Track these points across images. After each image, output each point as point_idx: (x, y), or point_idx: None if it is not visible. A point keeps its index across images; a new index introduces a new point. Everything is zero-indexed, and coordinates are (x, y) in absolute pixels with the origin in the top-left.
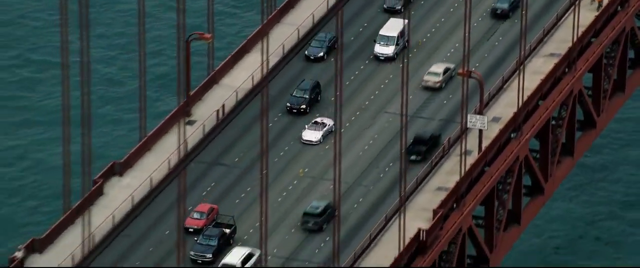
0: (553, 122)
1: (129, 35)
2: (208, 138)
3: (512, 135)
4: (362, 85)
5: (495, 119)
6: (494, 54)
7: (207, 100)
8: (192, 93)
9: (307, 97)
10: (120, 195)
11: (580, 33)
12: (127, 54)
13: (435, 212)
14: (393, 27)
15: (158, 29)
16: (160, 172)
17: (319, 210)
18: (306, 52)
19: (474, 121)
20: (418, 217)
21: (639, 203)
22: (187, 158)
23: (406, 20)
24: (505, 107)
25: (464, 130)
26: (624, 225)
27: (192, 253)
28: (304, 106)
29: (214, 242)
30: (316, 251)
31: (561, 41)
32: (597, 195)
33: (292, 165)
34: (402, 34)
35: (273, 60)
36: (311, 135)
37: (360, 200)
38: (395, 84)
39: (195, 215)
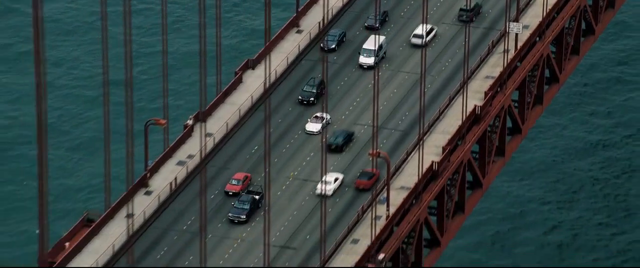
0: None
1: None
2: (314, 41)
3: (537, 38)
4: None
5: (526, 26)
6: None
7: (311, 14)
8: (300, 9)
9: (315, 91)
10: (255, 82)
11: None
12: None
13: (485, 93)
14: (373, 42)
15: None
16: (281, 67)
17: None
18: (321, 45)
19: (512, 27)
20: (473, 97)
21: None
22: (301, 56)
23: (383, 36)
24: (533, 17)
25: (505, 34)
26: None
27: (230, 214)
28: (312, 99)
29: (247, 206)
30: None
31: None
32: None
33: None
34: (380, 47)
35: None
36: (312, 127)
37: (429, 86)
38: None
39: (234, 182)
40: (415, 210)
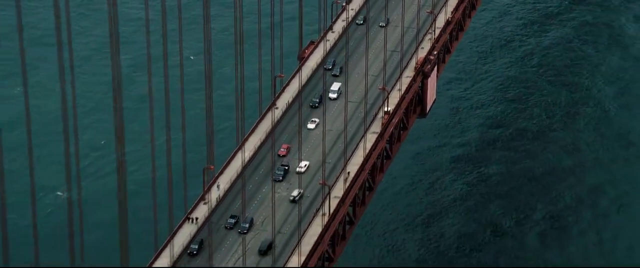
0: None
1: None
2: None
3: None
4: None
5: None
6: None
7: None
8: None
9: (318, 100)
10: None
11: None
12: None
13: None
14: (336, 84)
15: None
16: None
17: None
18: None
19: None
20: None
21: None
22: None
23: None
24: None
25: None
26: None
27: (273, 177)
28: (317, 104)
29: (282, 172)
30: None
31: None
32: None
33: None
34: (339, 88)
35: None
36: (311, 125)
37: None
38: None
39: (282, 149)
40: (444, 36)
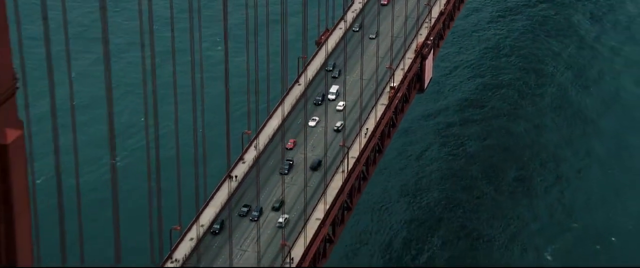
0: None
1: None
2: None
3: None
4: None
5: None
6: None
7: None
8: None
9: (321, 99)
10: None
11: None
12: None
13: None
14: (334, 86)
15: None
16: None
17: None
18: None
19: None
20: None
21: None
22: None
23: (338, 85)
24: None
25: None
26: None
27: (280, 170)
28: (320, 102)
29: (287, 166)
30: None
31: None
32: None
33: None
34: (337, 90)
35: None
36: (312, 123)
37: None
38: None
39: (289, 143)
40: (438, 24)
